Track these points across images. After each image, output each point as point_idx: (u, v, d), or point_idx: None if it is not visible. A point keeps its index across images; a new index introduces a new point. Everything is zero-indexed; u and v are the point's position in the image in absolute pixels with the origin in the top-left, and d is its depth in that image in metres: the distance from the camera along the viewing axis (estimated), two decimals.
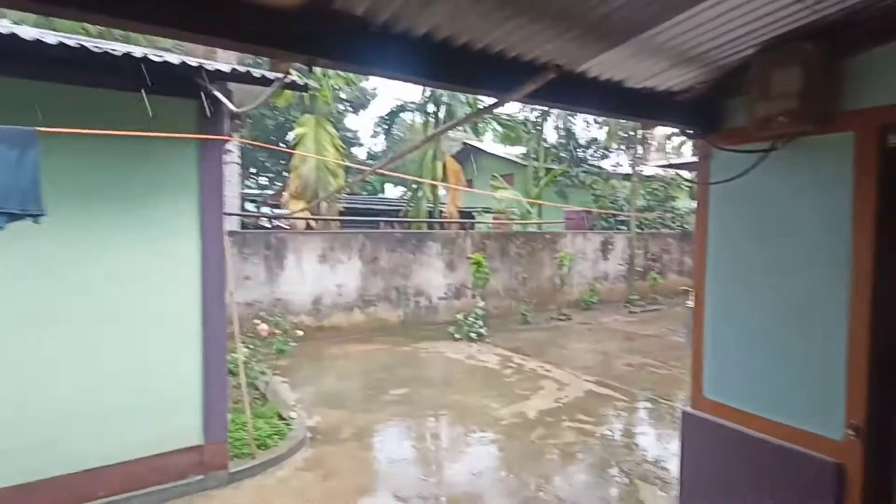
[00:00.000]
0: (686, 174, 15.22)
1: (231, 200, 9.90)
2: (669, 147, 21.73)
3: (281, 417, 5.32)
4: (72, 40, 3.16)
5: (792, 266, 2.57)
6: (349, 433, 5.29)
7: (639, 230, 14.52)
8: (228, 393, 4.41)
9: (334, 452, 4.85)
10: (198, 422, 4.07)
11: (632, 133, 16.53)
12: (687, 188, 16.76)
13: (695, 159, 3.34)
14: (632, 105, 2.76)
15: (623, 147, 19.47)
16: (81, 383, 3.65)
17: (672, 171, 16.22)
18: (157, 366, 3.92)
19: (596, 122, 19.64)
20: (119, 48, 3.38)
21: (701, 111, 2.86)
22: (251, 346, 6.36)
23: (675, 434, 5.03)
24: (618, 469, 4.58)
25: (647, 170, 17.76)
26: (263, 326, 6.44)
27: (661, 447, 5.19)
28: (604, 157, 20.53)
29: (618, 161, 19.93)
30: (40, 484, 3.51)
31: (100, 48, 3.16)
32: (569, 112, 18.48)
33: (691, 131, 3.01)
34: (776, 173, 2.60)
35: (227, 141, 4.38)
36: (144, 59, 3.25)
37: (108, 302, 3.73)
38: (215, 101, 3.86)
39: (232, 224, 10.01)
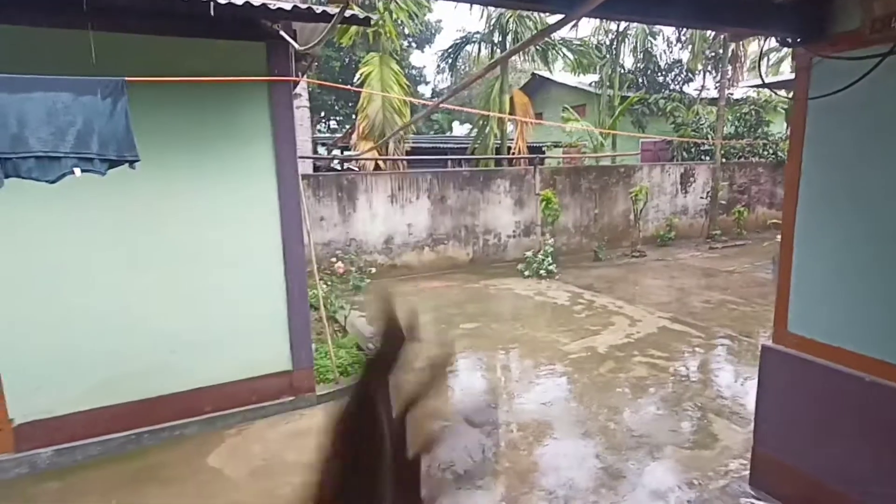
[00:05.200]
0: (784, 94, 13.66)
1: (303, 144, 10.20)
2: (764, 66, 19.47)
3: (359, 348, 5.67)
4: None
5: None
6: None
7: (724, 160, 13.40)
8: (311, 325, 4.75)
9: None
10: (286, 350, 4.44)
11: (720, 52, 14.91)
12: (783, 111, 15.08)
13: (794, 76, 2.96)
14: (720, 13, 2.47)
15: (710, 68, 17.72)
16: (183, 316, 4.07)
17: (766, 93, 14.62)
18: (247, 300, 4.27)
19: (679, 41, 17.87)
20: None
21: (803, 15, 2.51)
22: (329, 283, 6.74)
23: (754, 371, 4.82)
24: (691, 403, 4.52)
25: (738, 92, 16.11)
26: (339, 264, 6.77)
27: (738, 384, 5.03)
28: (687, 80, 18.79)
29: (703, 84, 18.21)
30: (158, 399, 4.04)
31: None
32: (648, 32, 16.96)
33: (791, 40, 2.67)
34: (893, 83, 2.27)
35: (296, 82, 4.45)
36: (209, 1, 3.31)
37: (201, 242, 4.06)
38: (281, 42, 3.90)
39: (305, 167, 10.37)
